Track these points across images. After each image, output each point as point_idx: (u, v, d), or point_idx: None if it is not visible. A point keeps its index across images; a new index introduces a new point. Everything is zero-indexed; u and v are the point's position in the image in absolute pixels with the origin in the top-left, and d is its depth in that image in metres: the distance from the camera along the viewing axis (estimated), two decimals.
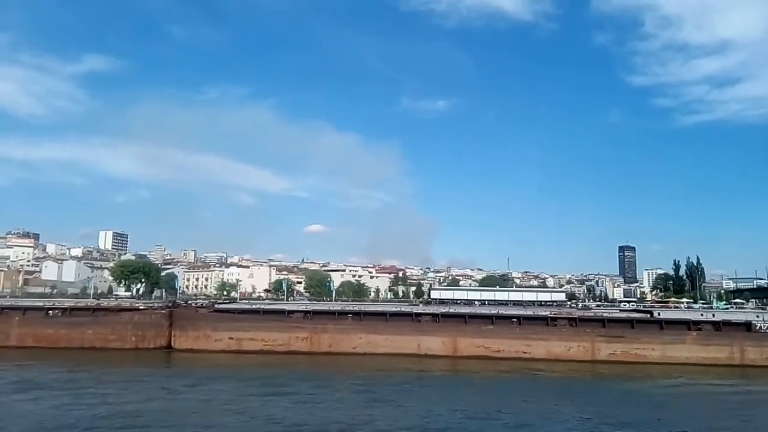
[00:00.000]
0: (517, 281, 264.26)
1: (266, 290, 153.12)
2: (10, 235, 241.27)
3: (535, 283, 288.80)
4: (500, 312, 62.60)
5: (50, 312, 63.33)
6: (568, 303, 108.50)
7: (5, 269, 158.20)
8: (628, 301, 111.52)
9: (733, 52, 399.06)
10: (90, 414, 30.64)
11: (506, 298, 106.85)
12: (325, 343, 57.41)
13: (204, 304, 74.54)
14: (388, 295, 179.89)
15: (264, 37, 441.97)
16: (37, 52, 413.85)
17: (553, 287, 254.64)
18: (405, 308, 68.53)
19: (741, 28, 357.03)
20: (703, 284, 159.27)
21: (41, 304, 69.56)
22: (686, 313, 74.42)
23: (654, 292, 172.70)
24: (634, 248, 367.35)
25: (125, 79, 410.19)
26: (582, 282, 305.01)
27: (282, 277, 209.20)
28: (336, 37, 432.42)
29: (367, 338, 57.00)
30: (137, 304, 71.00)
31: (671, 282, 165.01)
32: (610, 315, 66.05)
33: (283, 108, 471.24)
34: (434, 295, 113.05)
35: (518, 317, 60.09)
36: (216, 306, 70.80)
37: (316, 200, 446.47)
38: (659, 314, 63.35)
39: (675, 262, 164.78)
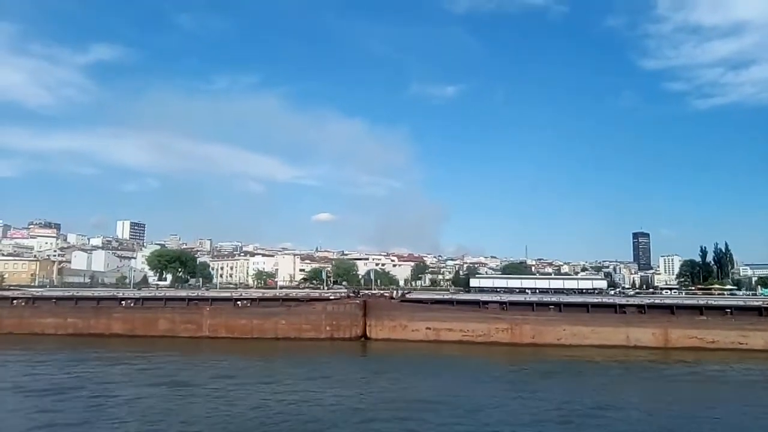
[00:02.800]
0: (532, 269, 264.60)
1: (304, 279, 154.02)
2: (32, 226, 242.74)
3: (550, 270, 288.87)
4: (560, 299, 62.78)
5: (239, 303, 64.16)
6: (611, 291, 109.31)
7: (38, 259, 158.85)
8: (670, 289, 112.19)
9: (747, 33, 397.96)
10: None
11: (547, 286, 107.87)
12: (527, 334, 56.67)
13: (392, 294, 73.85)
14: (417, 284, 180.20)
15: (271, 26, 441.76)
16: (46, 42, 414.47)
17: (568, 274, 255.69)
18: (606, 300, 66.77)
19: (756, 8, 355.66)
20: (732, 271, 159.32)
21: (228, 295, 70.81)
22: (743, 300, 74.46)
23: (680, 279, 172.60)
24: (648, 234, 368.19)
25: (134, 68, 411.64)
26: (597, 269, 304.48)
27: (305, 265, 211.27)
28: (343, 24, 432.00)
29: (571, 330, 56.24)
30: (326, 294, 71.23)
31: (698, 269, 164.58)
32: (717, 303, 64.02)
33: (291, 96, 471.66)
34: (473, 283, 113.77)
35: (586, 305, 60.44)
36: (406, 296, 70.15)
37: (325, 188, 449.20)
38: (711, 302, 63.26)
39: (702, 248, 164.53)
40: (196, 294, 72.53)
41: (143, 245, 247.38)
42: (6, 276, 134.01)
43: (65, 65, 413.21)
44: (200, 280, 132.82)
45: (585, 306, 59.90)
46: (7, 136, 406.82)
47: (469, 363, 47.22)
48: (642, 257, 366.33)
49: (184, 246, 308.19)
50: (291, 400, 31.62)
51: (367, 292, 78.34)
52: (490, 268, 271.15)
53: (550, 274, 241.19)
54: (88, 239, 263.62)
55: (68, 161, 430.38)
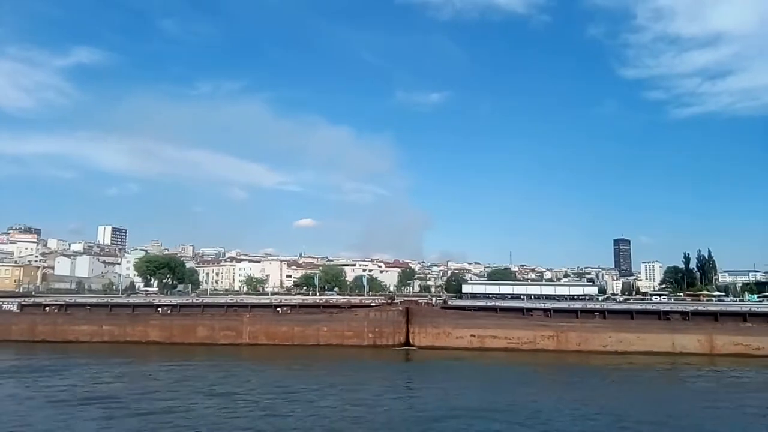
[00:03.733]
0: (516, 275, 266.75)
1: (295, 285, 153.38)
2: (12, 231, 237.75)
3: (533, 276, 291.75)
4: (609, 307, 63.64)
5: (279, 309, 63.67)
6: (600, 297, 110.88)
7: (22, 265, 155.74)
8: (660, 295, 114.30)
9: (725, 44, 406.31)
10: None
11: (539, 292, 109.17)
12: (573, 341, 56.53)
13: (429, 301, 73.87)
14: (407, 290, 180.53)
15: (257, 32, 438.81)
16: (25, 45, 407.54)
17: (551, 280, 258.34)
18: (651, 307, 66.62)
19: (734, 19, 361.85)
20: (714, 277, 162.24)
21: (268, 301, 69.92)
22: (737, 306, 76.06)
23: (663, 286, 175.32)
24: (629, 241, 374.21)
25: (115, 73, 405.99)
26: (579, 275, 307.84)
27: (291, 272, 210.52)
28: (329, 31, 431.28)
29: (617, 336, 56.08)
30: (367, 301, 70.51)
31: (680, 275, 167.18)
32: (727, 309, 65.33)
33: (277, 102, 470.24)
34: (465, 289, 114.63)
35: (603, 311, 61.29)
36: (448, 303, 70.01)
37: (309, 194, 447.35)
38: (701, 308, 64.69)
39: (685, 255, 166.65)
40: (235, 300, 71.75)
41: (127, 251, 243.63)
42: None
43: (44, 68, 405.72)
44: (189, 286, 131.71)
45: (629, 313, 60.40)
46: None
47: (522, 370, 47.51)
48: (623, 264, 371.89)
49: (166, 251, 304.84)
50: (355, 409, 31.60)
51: (408, 299, 78.02)
52: (474, 274, 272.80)
53: (534, 280, 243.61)
54: (69, 245, 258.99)
55: (47, 165, 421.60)
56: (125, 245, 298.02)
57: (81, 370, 44.96)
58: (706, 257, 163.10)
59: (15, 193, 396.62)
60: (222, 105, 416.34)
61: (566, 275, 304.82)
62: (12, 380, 40.36)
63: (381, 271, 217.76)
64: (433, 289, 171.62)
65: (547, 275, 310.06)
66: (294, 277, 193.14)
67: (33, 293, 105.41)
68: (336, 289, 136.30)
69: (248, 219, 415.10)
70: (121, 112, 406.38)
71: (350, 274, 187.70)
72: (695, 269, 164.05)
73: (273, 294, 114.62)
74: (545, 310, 61.23)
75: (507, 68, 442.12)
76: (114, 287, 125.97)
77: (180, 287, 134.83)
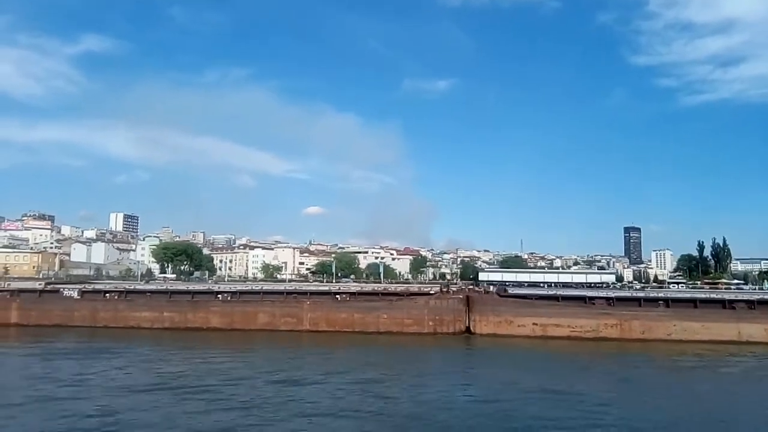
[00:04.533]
0: (526, 262, 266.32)
1: (312, 272, 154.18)
2: (26, 217, 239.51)
3: (542, 264, 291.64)
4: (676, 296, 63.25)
5: (338, 296, 64.46)
6: (617, 285, 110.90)
7: (40, 252, 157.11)
8: (677, 283, 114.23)
9: (738, 31, 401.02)
10: None
11: (555, 280, 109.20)
12: (636, 329, 56.69)
13: (486, 289, 74.49)
14: (422, 278, 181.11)
15: (264, 20, 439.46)
16: (35, 33, 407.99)
17: (561, 268, 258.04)
18: (715, 295, 66.48)
19: (746, 6, 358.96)
20: (730, 265, 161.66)
21: (327, 288, 70.60)
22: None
23: (677, 273, 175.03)
24: (639, 229, 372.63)
25: (124, 60, 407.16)
26: (589, 263, 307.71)
27: (303, 259, 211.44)
28: (336, 19, 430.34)
29: (681, 325, 56.25)
30: (426, 289, 71.04)
31: (695, 263, 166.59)
32: None
33: (284, 90, 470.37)
34: (482, 277, 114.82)
35: (666, 299, 60.99)
36: (507, 291, 70.24)
37: (316, 182, 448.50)
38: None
39: (699, 243, 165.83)
40: (294, 287, 72.47)
41: (141, 238, 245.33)
42: (8, 268, 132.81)
43: (54, 56, 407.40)
44: (206, 273, 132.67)
45: (693, 301, 60.32)
46: None
47: (590, 358, 47.76)
48: (633, 251, 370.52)
49: (177, 238, 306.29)
50: (432, 397, 31.99)
51: (467, 286, 78.23)
52: (484, 262, 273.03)
53: (543, 267, 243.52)
54: (82, 231, 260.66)
55: (57, 153, 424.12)
56: (137, 232, 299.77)
57: (165, 355, 45.95)
58: (721, 245, 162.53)
59: (25, 180, 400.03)
60: (229, 93, 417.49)
61: (576, 263, 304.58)
62: (95, 363, 41.18)
63: (393, 259, 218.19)
64: (448, 277, 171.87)
65: (557, 263, 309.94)
66: (307, 265, 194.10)
67: (53, 279, 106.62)
68: (352, 276, 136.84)
69: (257, 206, 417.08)
70: (129, 100, 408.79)
71: (363, 262, 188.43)
72: (709, 257, 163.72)
73: (290, 281, 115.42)
74: (608, 299, 61.03)
75: (515, 55, 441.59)
76: (132, 273, 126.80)
77: (197, 274, 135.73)
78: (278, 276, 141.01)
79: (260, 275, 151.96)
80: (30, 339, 54.83)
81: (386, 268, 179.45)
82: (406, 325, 59.00)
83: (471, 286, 76.25)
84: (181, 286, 76.91)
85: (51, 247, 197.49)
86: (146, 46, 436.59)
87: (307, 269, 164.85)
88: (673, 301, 60.22)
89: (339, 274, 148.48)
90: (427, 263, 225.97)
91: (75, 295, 68.28)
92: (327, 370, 38.75)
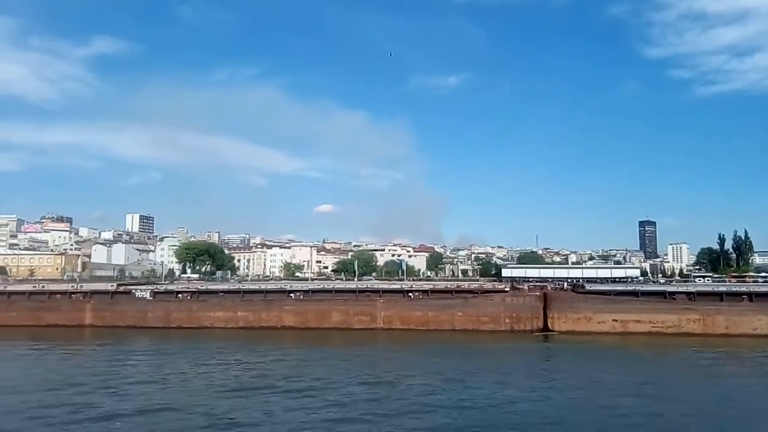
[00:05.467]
0: (542, 258, 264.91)
1: (333, 270, 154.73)
2: (45, 220, 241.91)
3: (557, 259, 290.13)
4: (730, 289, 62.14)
5: (411, 295, 64.44)
6: (641, 278, 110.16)
7: (63, 253, 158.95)
8: (703, 276, 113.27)
9: (752, 20, 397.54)
10: None
11: (580, 275, 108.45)
12: (720, 324, 55.89)
13: (562, 286, 73.89)
14: (441, 275, 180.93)
15: (272, 17, 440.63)
16: (47, 36, 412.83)
17: (577, 263, 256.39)
18: None
19: None
20: (751, 258, 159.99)
21: (399, 287, 70.30)
22: None
23: (697, 267, 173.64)
24: (654, 223, 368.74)
25: (135, 61, 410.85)
26: (604, 258, 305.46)
27: (320, 257, 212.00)
28: (344, 15, 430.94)
29: (767, 320, 55.50)
30: (500, 286, 70.27)
31: (715, 256, 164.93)
32: None
33: (292, 88, 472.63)
34: (505, 273, 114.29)
35: (749, 293, 59.80)
36: (584, 287, 69.56)
37: (327, 180, 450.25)
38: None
39: (720, 236, 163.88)
40: (365, 286, 72.52)
41: (159, 238, 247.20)
42: (33, 270, 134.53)
43: (66, 58, 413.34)
44: (228, 272, 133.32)
45: None
46: (9, 130, 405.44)
47: (682, 354, 47.28)
48: (648, 245, 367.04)
49: (192, 238, 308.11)
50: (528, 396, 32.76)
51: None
52: (499, 258, 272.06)
53: (559, 262, 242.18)
54: (99, 233, 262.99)
55: (70, 155, 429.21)
56: (153, 233, 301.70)
57: (256, 356, 46.44)
58: (743, 238, 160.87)
59: (40, 182, 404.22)
60: (238, 91, 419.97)
61: (591, 258, 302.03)
62: (183, 362, 42.26)
63: (409, 256, 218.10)
64: (470, 273, 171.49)
65: (572, 258, 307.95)
66: (323, 263, 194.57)
67: (77, 280, 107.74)
68: (374, 274, 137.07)
69: (269, 205, 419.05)
70: (140, 101, 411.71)
71: (380, 260, 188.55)
72: (730, 250, 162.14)
73: (312, 279, 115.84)
74: (688, 294, 60.17)
75: (526, 49, 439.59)
76: (156, 274, 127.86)
77: (218, 273, 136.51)
78: (299, 275, 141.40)
79: (278, 274, 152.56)
80: (110, 340, 54.85)
81: (407, 266, 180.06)
82: (482, 323, 58.66)
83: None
84: (253, 286, 76.84)
85: (71, 249, 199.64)
86: (156, 46, 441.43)
87: (325, 267, 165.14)
88: (757, 296, 58.69)
89: (358, 272, 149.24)
90: (444, 260, 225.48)
91: (147, 296, 68.94)
92: (429, 370, 38.79)
